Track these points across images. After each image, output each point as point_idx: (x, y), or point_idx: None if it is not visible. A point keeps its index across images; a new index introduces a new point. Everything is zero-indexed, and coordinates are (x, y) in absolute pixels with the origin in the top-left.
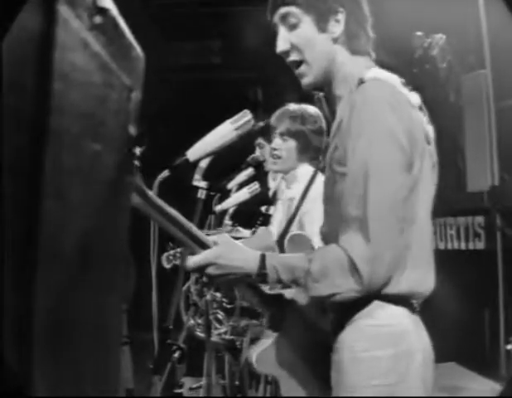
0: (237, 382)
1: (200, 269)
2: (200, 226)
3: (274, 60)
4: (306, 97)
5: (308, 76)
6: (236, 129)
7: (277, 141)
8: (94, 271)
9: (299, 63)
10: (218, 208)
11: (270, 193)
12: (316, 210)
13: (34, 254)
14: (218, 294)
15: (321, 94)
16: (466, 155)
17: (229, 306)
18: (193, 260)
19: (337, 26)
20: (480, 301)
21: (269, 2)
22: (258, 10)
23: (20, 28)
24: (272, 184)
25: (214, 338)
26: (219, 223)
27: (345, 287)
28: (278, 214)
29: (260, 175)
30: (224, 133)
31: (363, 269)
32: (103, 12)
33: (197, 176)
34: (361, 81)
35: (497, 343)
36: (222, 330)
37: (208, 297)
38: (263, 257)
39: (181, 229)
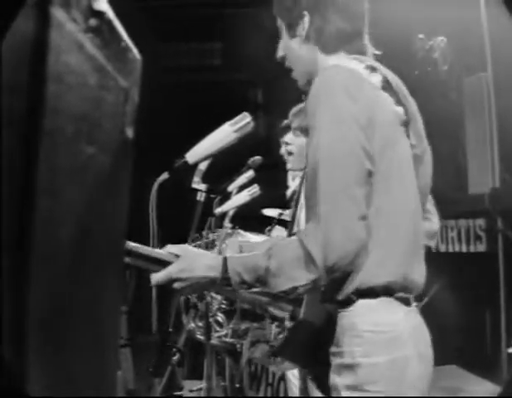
0: (237, 384)
1: (166, 286)
2: (200, 229)
3: (274, 62)
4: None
5: (297, 80)
6: (235, 132)
7: (290, 136)
8: (91, 273)
9: (290, 69)
10: (218, 211)
11: (288, 193)
12: None
13: (28, 255)
14: (218, 297)
15: None
16: (468, 157)
17: (229, 308)
18: (156, 279)
19: (304, 29)
20: (482, 304)
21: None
22: (259, 12)
23: (17, 32)
24: (291, 183)
25: (214, 341)
26: (219, 226)
27: (303, 278)
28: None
29: (260, 177)
30: (223, 135)
31: (316, 255)
32: (98, 14)
33: (196, 178)
34: (321, 70)
35: (498, 346)
36: (222, 333)
37: (208, 299)
38: (224, 261)
39: (139, 257)
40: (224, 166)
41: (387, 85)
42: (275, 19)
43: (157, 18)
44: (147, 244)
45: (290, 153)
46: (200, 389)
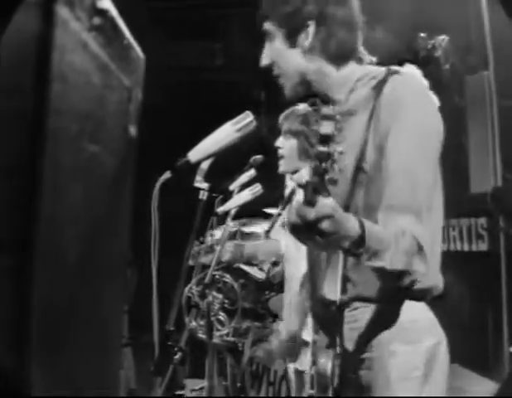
0: (239, 384)
1: (314, 223)
2: (203, 228)
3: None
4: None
5: (286, 89)
6: (237, 131)
7: (280, 139)
8: (94, 272)
9: (278, 76)
10: (220, 210)
11: (286, 192)
12: (292, 247)
13: (32, 254)
14: (220, 296)
15: (317, 99)
16: (469, 156)
17: (230, 308)
18: (309, 210)
19: (307, 40)
20: (484, 303)
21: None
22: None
23: (16, 30)
24: (289, 183)
25: (215, 340)
26: (221, 225)
27: (417, 267)
28: None
29: (262, 176)
30: (225, 134)
31: (426, 253)
32: (102, 13)
33: (199, 177)
34: (390, 73)
35: (501, 345)
36: (224, 332)
37: (210, 298)
38: (361, 223)
39: None
40: (226, 165)
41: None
42: (260, 21)
43: (159, 18)
44: (148, 242)
45: (281, 157)
46: (202, 388)
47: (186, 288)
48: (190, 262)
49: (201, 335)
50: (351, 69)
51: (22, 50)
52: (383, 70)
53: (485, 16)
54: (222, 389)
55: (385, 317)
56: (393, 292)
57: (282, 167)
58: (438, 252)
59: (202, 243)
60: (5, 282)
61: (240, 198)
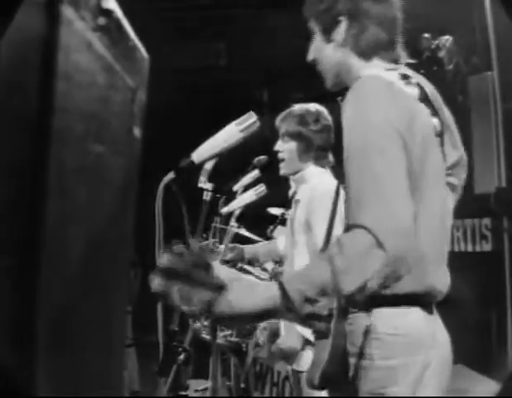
0: (243, 384)
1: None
2: (206, 229)
3: (280, 62)
4: (312, 97)
5: (327, 82)
6: (241, 131)
7: (279, 143)
8: (98, 272)
9: (322, 72)
10: (224, 210)
11: (290, 193)
12: (322, 209)
13: (37, 255)
14: None
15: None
16: (473, 156)
17: None
18: (195, 304)
19: (340, 35)
20: (487, 304)
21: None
22: (264, 12)
23: (18, 28)
24: (293, 184)
25: (219, 340)
26: (225, 225)
27: (372, 269)
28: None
29: (266, 177)
30: (229, 134)
31: (384, 239)
32: (107, 13)
33: (202, 178)
34: (357, 78)
35: (504, 345)
36: (228, 332)
37: None
38: (281, 285)
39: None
40: (230, 165)
41: (423, 97)
42: (306, 20)
43: (163, 18)
44: (152, 243)
45: (282, 160)
46: (206, 388)
47: None
48: None
49: (205, 335)
50: (371, 65)
51: (24, 49)
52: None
53: (489, 16)
54: (226, 389)
55: (364, 326)
56: (376, 299)
57: (283, 169)
58: (434, 251)
59: (206, 239)
60: (9, 282)
61: (244, 199)
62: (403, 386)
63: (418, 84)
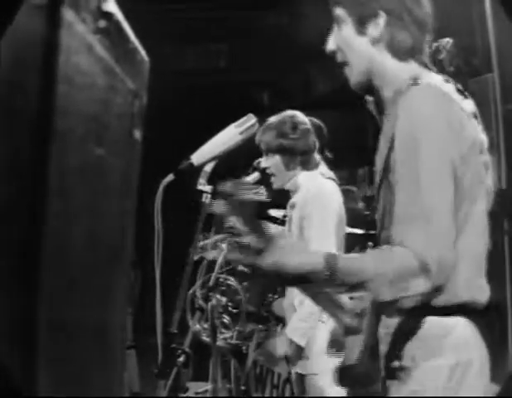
0: (243, 387)
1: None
2: (205, 231)
3: (281, 64)
4: (311, 101)
5: (351, 78)
6: (241, 133)
7: (264, 159)
8: (99, 273)
9: (344, 64)
10: None
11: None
12: (315, 214)
13: (38, 256)
14: (224, 299)
15: (370, 97)
16: None
17: (234, 311)
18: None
19: (377, 29)
20: (488, 305)
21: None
22: (265, 13)
23: (18, 30)
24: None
25: (219, 343)
26: (223, 227)
27: (414, 288)
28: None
29: (266, 179)
30: (228, 136)
31: (432, 264)
32: (107, 15)
33: (202, 180)
34: (413, 83)
35: (505, 347)
36: (228, 335)
37: (214, 301)
38: (328, 256)
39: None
40: (230, 168)
41: (477, 113)
42: (332, 3)
43: (164, 20)
44: (151, 245)
45: (272, 175)
46: (206, 391)
47: (190, 291)
48: (195, 256)
49: (205, 338)
50: (407, 69)
51: (25, 51)
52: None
53: (489, 18)
54: (226, 392)
55: (407, 330)
56: (413, 307)
57: (275, 183)
58: (473, 264)
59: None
60: (9, 282)
61: None
62: (447, 386)
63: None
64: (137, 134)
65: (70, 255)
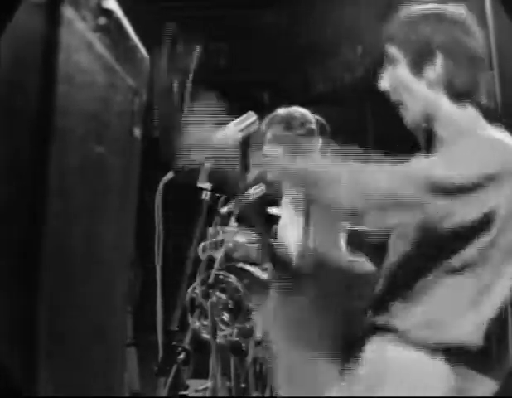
0: (243, 384)
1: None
2: (206, 228)
3: (281, 63)
4: (310, 100)
5: (406, 118)
6: (241, 131)
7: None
8: (99, 272)
9: (398, 103)
10: (223, 210)
11: None
12: (286, 214)
13: (38, 255)
14: (223, 296)
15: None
16: None
17: (234, 308)
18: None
19: (434, 72)
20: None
21: (382, 35)
22: (265, 13)
23: (18, 28)
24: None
25: (219, 340)
26: (225, 225)
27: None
28: None
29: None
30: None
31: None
32: (107, 13)
33: (202, 177)
34: (471, 132)
35: (505, 345)
36: (228, 332)
37: (213, 299)
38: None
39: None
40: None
41: None
42: (380, 45)
43: (164, 19)
44: (152, 243)
45: None
46: (206, 388)
47: (190, 289)
48: (201, 256)
49: (205, 335)
50: (465, 113)
51: (25, 49)
52: None
53: (489, 17)
54: (226, 389)
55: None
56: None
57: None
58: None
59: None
60: (10, 282)
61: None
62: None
63: None
64: (137, 132)
65: (70, 254)
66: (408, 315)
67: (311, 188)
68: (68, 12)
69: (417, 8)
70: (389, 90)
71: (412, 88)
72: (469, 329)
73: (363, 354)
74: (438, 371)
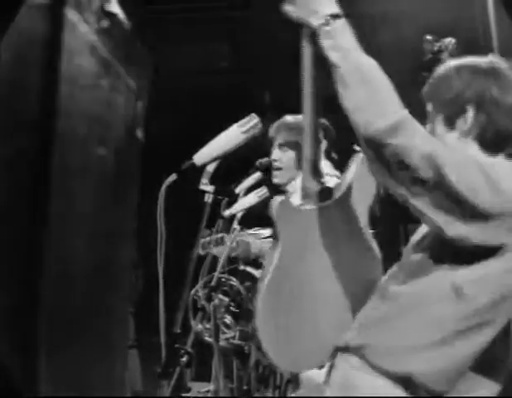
0: (245, 386)
1: None
2: (209, 231)
3: (282, 64)
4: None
5: None
6: (243, 133)
7: (276, 152)
8: (101, 273)
9: None
10: (226, 213)
11: None
12: None
13: (40, 256)
14: (226, 299)
15: None
16: None
17: (236, 310)
18: None
19: (466, 124)
20: None
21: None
22: (266, 14)
23: (20, 31)
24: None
25: (222, 343)
26: (227, 228)
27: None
28: None
29: (268, 179)
30: (231, 136)
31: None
32: (110, 16)
33: (204, 180)
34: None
35: (507, 347)
36: (230, 335)
37: (216, 301)
38: (340, 14)
39: None
40: (232, 167)
41: None
42: (421, 101)
43: (166, 21)
44: (154, 245)
45: (279, 169)
46: (208, 391)
47: (193, 291)
48: (201, 252)
49: (208, 338)
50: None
51: (27, 51)
52: None
53: (492, 18)
54: (228, 391)
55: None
56: None
57: (278, 178)
58: None
59: (211, 234)
60: (12, 282)
61: (246, 201)
62: None
63: None
64: (140, 134)
65: (72, 255)
66: (369, 338)
67: (357, 86)
68: (71, 14)
69: (452, 62)
70: None
71: (447, 140)
72: (433, 366)
73: (330, 376)
74: None
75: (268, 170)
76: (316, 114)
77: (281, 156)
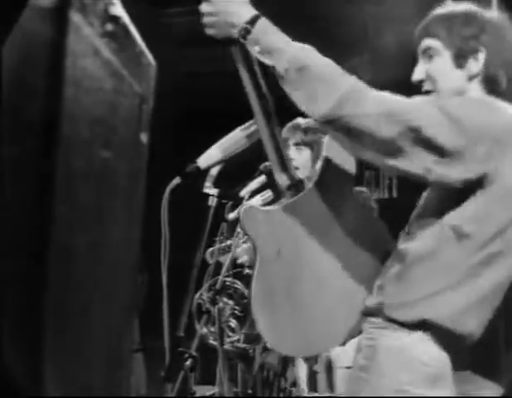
0: (250, 390)
1: None
2: (213, 234)
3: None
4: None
5: None
6: (247, 136)
7: (292, 151)
8: (105, 277)
9: (429, 92)
10: (230, 216)
11: None
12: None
13: (45, 258)
14: (230, 302)
15: None
16: None
17: (241, 314)
18: None
19: (475, 65)
20: None
21: (416, 31)
22: (269, 16)
23: (24, 33)
24: None
25: (226, 346)
26: (231, 231)
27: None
28: None
29: (273, 183)
30: (234, 140)
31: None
32: (114, 19)
33: (208, 183)
34: None
35: (510, 349)
36: (235, 338)
37: (220, 304)
38: (257, 17)
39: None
40: (236, 171)
41: None
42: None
43: (171, 24)
44: (158, 248)
45: (296, 168)
46: (213, 394)
47: (197, 295)
48: (209, 261)
49: (212, 341)
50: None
51: (31, 54)
52: None
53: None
54: (233, 395)
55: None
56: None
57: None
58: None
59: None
60: (17, 285)
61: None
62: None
63: None
64: (144, 138)
65: (76, 258)
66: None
67: (304, 79)
68: (75, 17)
69: (458, 7)
70: (421, 81)
71: (452, 78)
72: (453, 308)
73: (359, 340)
74: (428, 355)
75: (272, 173)
76: (270, 119)
77: (296, 155)
